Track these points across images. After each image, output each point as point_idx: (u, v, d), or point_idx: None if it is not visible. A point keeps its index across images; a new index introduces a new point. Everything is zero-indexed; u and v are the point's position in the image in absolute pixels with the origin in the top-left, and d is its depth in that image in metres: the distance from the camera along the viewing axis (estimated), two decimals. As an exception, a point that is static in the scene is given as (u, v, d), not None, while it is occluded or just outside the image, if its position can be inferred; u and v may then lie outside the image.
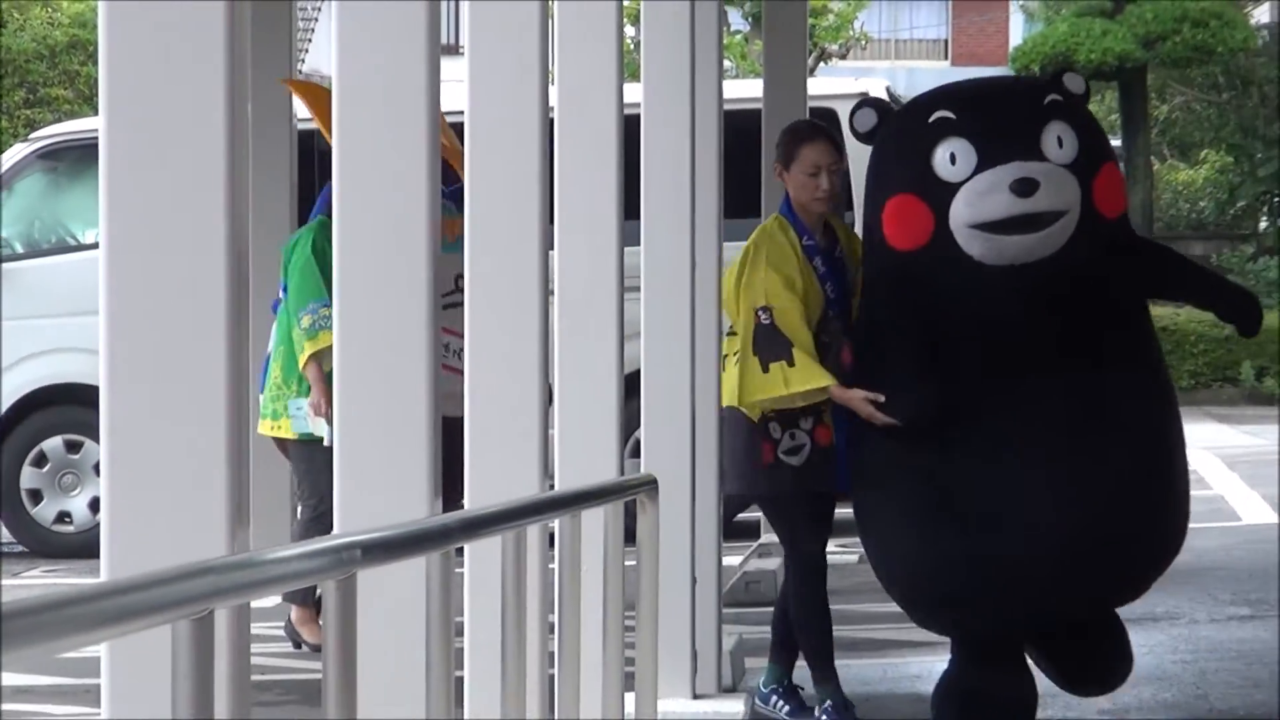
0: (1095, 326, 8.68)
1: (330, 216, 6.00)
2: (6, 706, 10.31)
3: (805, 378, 8.75)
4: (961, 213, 8.49)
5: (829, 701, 9.13)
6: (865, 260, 8.99)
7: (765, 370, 8.82)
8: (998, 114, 8.87)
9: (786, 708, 9.35)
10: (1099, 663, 9.06)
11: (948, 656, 8.92)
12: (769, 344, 8.80)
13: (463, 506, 6.41)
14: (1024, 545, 8.47)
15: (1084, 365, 8.63)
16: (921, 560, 8.70)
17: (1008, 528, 8.47)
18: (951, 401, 8.58)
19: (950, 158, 8.55)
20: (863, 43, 41.49)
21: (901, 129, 8.95)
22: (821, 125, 9.58)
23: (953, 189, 8.53)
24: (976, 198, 8.49)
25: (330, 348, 5.64)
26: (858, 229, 9.93)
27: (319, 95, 10.61)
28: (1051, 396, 8.58)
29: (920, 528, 8.67)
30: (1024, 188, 8.46)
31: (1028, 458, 8.53)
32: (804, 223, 9.12)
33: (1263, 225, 38.22)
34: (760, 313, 8.84)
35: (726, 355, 9.21)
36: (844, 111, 12.36)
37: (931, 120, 8.70)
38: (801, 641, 9.27)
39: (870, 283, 8.91)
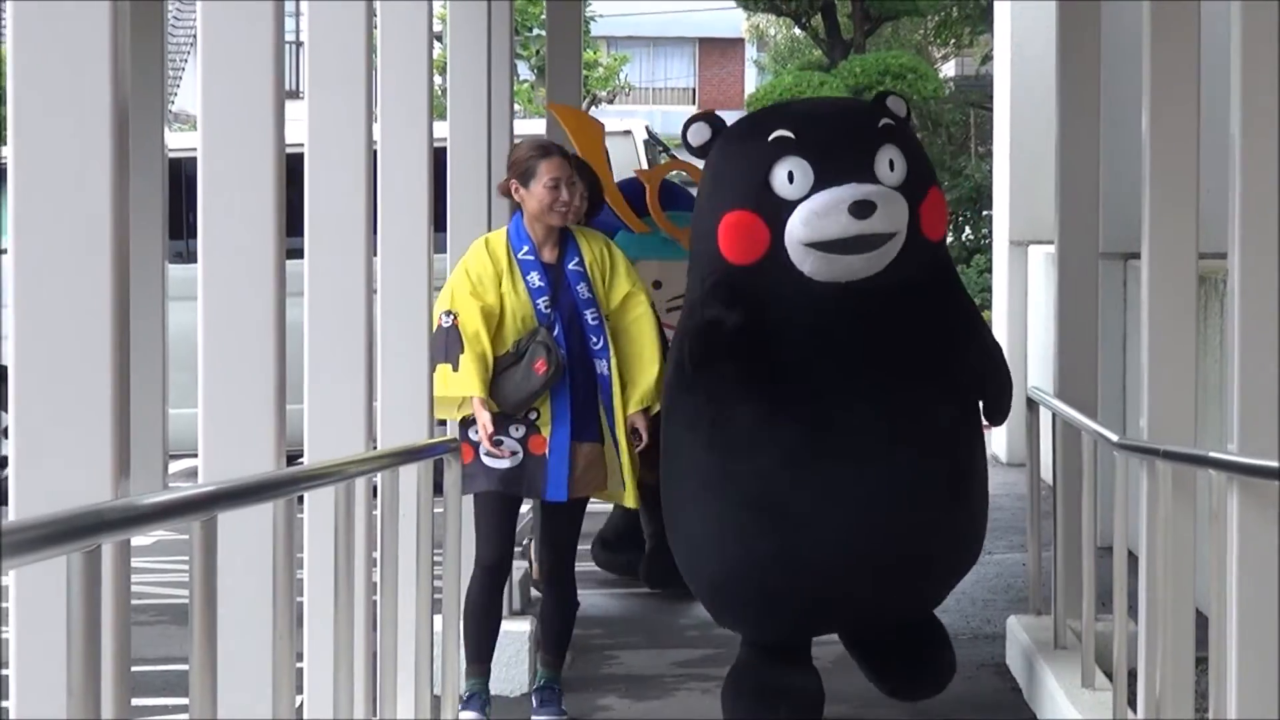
0: (908, 341, 7.85)
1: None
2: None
3: (461, 385, 7.85)
4: (798, 231, 7.58)
5: (471, 694, 8.20)
6: (693, 266, 7.98)
7: (432, 369, 7.60)
8: (834, 135, 7.89)
9: (537, 701, 8.40)
10: (917, 667, 8.28)
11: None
12: (442, 346, 7.89)
13: None
14: (833, 549, 7.64)
15: (895, 377, 7.79)
16: (735, 560, 7.79)
17: (820, 530, 7.64)
18: (770, 405, 7.71)
19: (789, 176, 7.64)
20: (626, 90, 41.56)
21: (740, 145, 7.96)
22: (556, 143, 8.57)
23: (790, 206, 7.63)
24: (814, 217, 7.57)
25: None
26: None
27: (579, 119, 10.42)
28: (864, 405, 7.71)
29: (737, 528, 7.75)
30: (861, 210, 7.57)
31: (838, 462, 7.66)
32: (530, 237, 8.11)
33: (949, 239, 38.57)
34: (444, 316, 7.96)
35: None
36: (613, 145, 12.40)
37: (771, 139, 7.76)
38: (467, 629, 8.13)
39: (700, 287, 7.82)
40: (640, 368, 8.20)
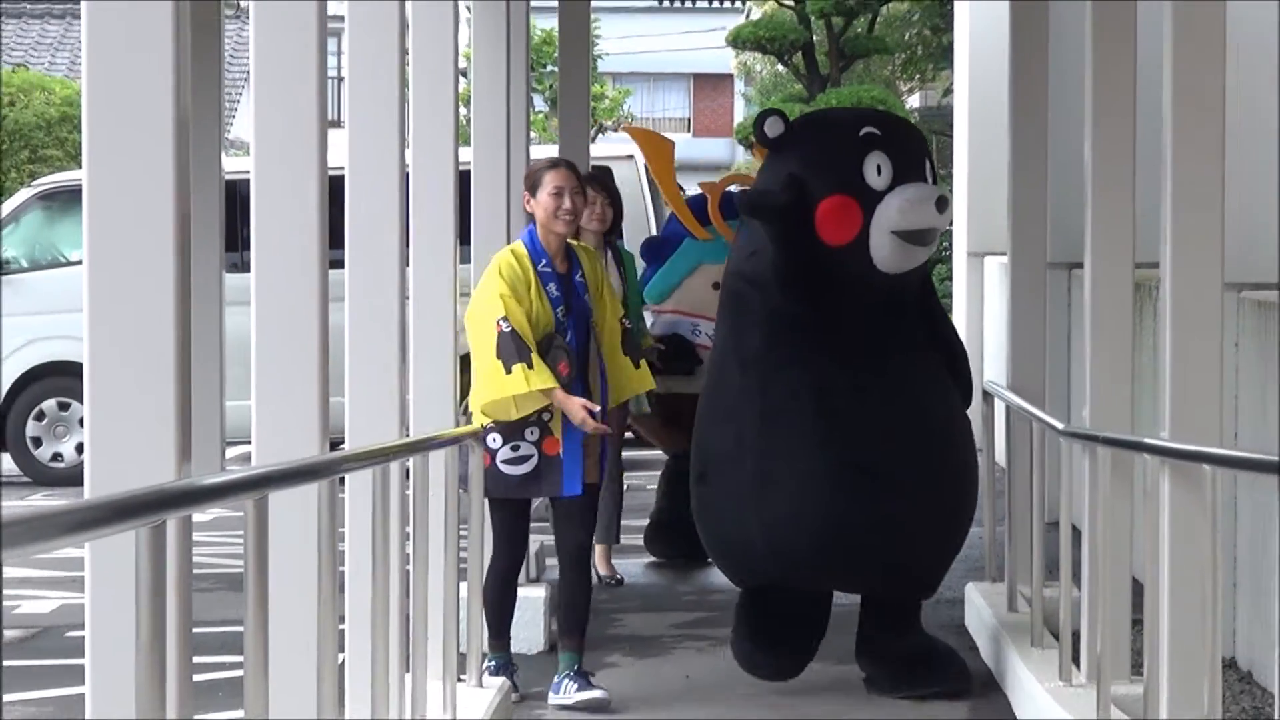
0: (912, 333, 7.84)
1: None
2: (12, 593, 10.21)
3: (542, 378, 7.43)
4: (891, 218, 7.55)
5: (494, 662, 7.80)
6: (781, 251, 7.62)
7: (509, 372, 7.43)
8: (904, 138, 7.91)
9: (575, 686, 7.77)
10: (925, 660, 7.92)
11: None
12: (513, 349, 7.45)
13: None
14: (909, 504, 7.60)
15: (904, 362, 7.76)
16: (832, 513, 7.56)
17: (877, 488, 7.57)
18: (811, 380, 7.62)
19: (877, 169, 7.62)
20: (629, 119, 41.53)
21: (830, 140, 7.85)
22: (562, 158, 8.24)
23: (878, 196, 7.59)
24: (910, 206, 7.57)
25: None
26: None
27: (650, 140, 10.33)
28: (890, 380, 7.67)
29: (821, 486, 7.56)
30: (942, 205, 7.63)
31: (883, 434, 7.60)
32: (545, 249, 7.75)
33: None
34: (501, 322, 7.49)
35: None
36: (616, 167, 12.43)
37: (862, 134, 7.70)
38: (487, 612, 7.78)
39: (783, 270, 7.62)
40: (616, 359, 7.98)
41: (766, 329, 7.75)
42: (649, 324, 10.73)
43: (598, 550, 10.22)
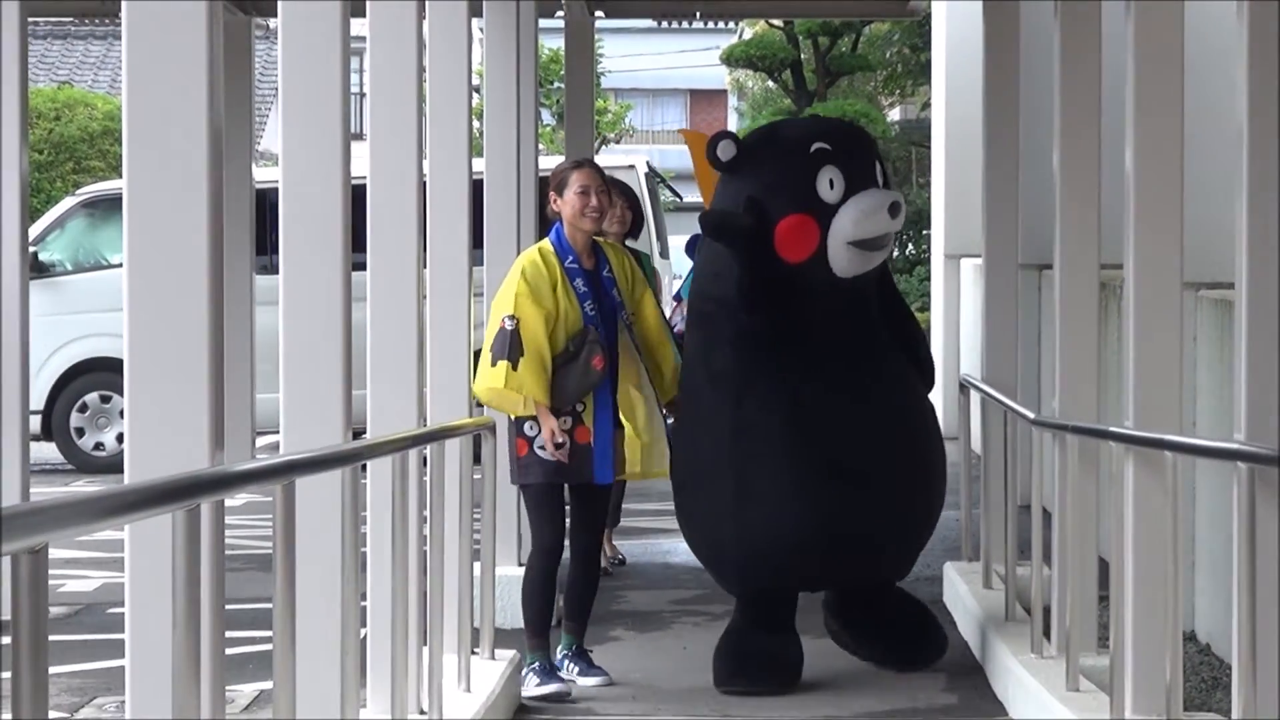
0: (873, 331, 7.64)
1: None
2: (58, 572, 10.21)
3: (522, 383, 7.14)
4: (846, 230, 7.31)
5: (537, 663, 7.39)
6: (745, 273, 7.42)
7: (493, 365, 7.18)
8: (853, 148, 7.61)
9: (577, 669, 7.54)
10: (918, 640, 7.77)
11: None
12: (504, 346, 7.18)
13: None
14: (878, 504, 7.41)
15: (868, 362, 7.55)
16: (774, 516, 7.35)
17: (849, 486, 7.37)
18: (787, 387, 7.39)
19: (830, 183, 7.36)
20: (630, 132, 41.48)
21: (784, 157, 7.57)
22: (585, 159, 7.95)
23: (832, 210, 7.34)
24: (863, 218, 7.32)
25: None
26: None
27: (703, 143, 9.55)
28: (855, 375, 7.48)
29: (794, 486, 7.36)
30: (895, 211, 7.35)
31: (849, 434, 7.40)
32: (572, 246, 7.44)
33: (895, 254, 38.50)
34: (507, 320, 7.22)
35: None
36: (621, 176, 12.37)
37: (813, 151, 7.44)
38: (525, 609, 7.52)
39: (747, 291, 7.42)
40: (663, 354, 7.68)
41: (734, 346, 7.52)
42: (680, 321, 10.49)
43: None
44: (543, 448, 7.28)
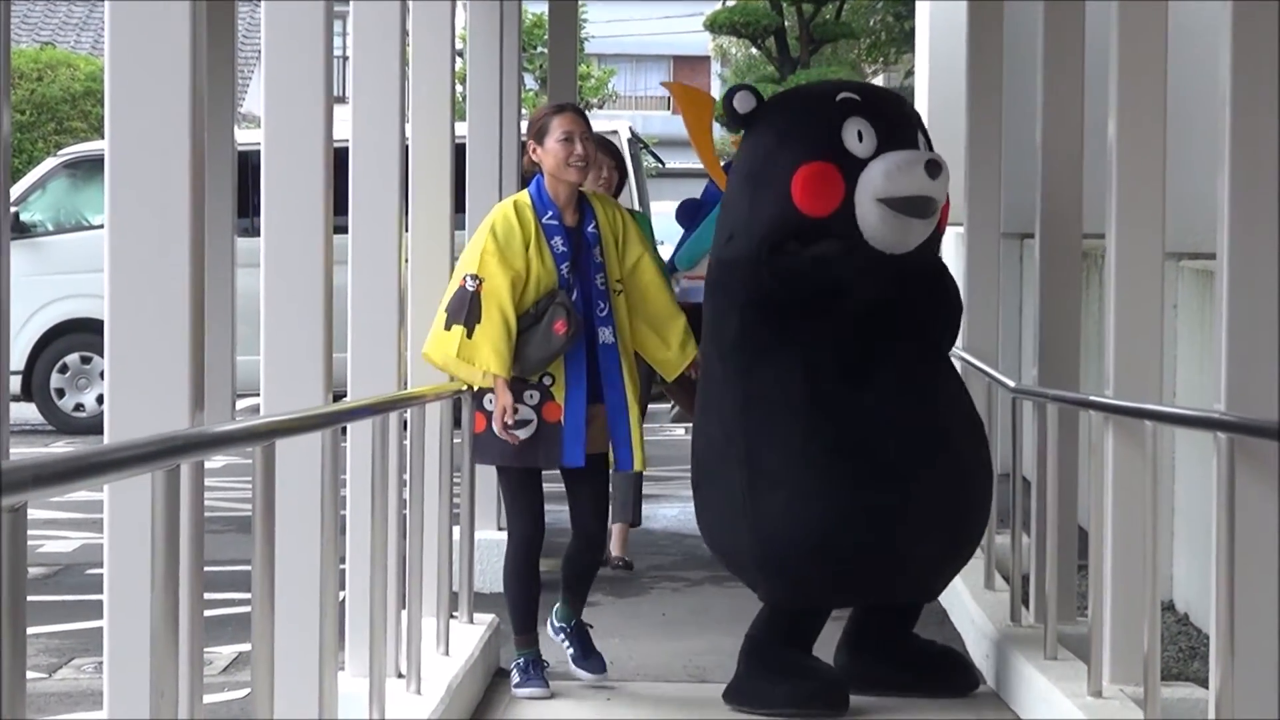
0: (919, 326, 6.66)
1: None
2: (36, 533, 10.20)
3: (475, 353, 6.40)
4: (876, 184, 6.36)
5: (522, 659, 6.73)
6: (746, 225, 6.57)
7: (447, 329, 6.45)
8: (890, 106, 6.75)
9: (573, 651, 6.85)
10: (950, 668, 6.82)
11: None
12: (461, 308, 6.42)
13: None
14: (898, 501, 6.45)
15: (911, 354, 6.59)
16: (816, 519, 6.40)
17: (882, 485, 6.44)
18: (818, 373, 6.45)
19: (858, 135, 6.42)
20: (613, 97, 41.42)
21: (805, 107, 6.79)
22: (568, 102, 7.11)
23: (860, 164, 6.41)
24: (895, 170, 6.36)
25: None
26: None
27: (687, 94, 8.46)
28: (894, 377, 6.52)
29: (818, 484, 6.42)
30: (933, 170, 6.39)
31: (887, 431, 6.46)
32: (553, 200, 6.59)
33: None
34: (469, 279, 6.46)
35: None
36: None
37: (839, 99, 6.54)
38: (508, 601, 6.78)
39: (761, 245, 6.50)
40: (669, 325, 6.82)
41: (746, 312, 6.60)
42: (677, 291, 9.74)
43: (615, 530, 9.14)
44: (510, 426, 6.52)
